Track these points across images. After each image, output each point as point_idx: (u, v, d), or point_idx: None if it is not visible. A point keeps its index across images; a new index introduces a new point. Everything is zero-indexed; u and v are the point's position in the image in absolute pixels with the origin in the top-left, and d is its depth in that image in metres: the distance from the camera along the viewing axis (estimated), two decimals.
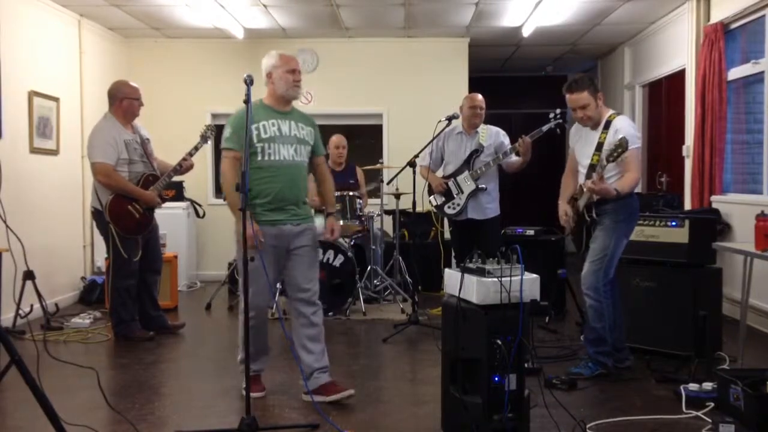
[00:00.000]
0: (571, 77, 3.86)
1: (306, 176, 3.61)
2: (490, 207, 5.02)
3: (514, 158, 4.89)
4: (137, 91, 4.76)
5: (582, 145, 3.92)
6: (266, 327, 3.63)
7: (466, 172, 4.97)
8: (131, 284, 4.72)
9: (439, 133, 5.07)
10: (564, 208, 4.00)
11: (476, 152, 4.97)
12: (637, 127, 3.93)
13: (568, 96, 3.80)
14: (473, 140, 5.02)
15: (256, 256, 3.15)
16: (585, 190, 3.75)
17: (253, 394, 3.34)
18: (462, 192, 4.98)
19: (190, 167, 4.78)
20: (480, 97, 5.07)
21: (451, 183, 5.03)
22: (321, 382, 3.46)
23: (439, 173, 5.20)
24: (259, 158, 3.36)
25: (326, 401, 3.36)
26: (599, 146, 3.73)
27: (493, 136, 5.04)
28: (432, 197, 5.14)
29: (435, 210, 5.27)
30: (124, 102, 4.68)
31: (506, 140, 5.05)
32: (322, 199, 3.78)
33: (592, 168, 3.71)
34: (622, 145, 3.49)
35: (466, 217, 5.00)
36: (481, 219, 4.98)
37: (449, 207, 5.04)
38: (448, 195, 5.04)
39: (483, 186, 4.94)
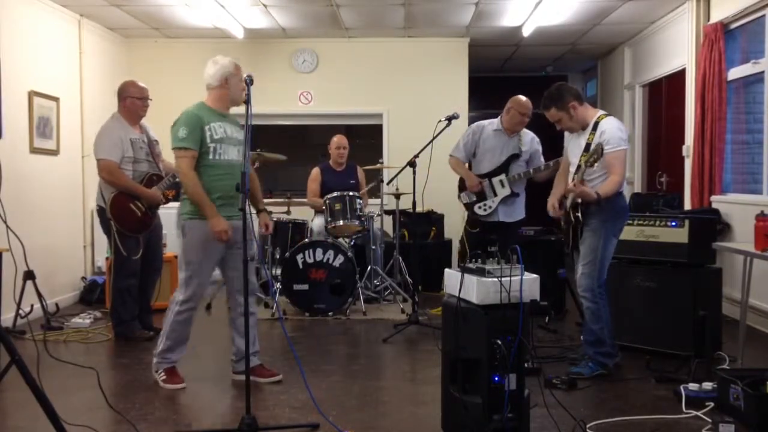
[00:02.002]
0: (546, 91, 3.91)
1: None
2: (517, 210, 5.00)
3: (545, 172, 4.84)
4: (142, 91, 4.78)
5: (573, 146, 3.95)
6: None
7: (503, 176, 4.90)
8: (132, 283, 4.72)
9: (440, 132, 5.02)
10: (552, 201, 4.03)
11: (515, 156, 4.91)
12: (629, 129, 3.96)
13: None
14: (512, 142, 4.93)
15: (206, 250, 3.57)
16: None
17: (173, 386, 3.65)
18: (496, 195, 4.92)
19: None
20: (529, 104, 4.87)
21: (485, 183, 4.94)
22: (251, 364, 3.65)
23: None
24: (211, 157, 3.60)
25: (259, 381, 3.70)
26: (587, 147, 3.76)
27: (530, 142, 4.97)
28: (463, 194, 5.07)
29: (463, 207, 5.16)
30: (127, 101, 4.73)
31: (540, 148, 5.02)
32: (252, 198, 3.90)
33: (579, 168, 3.74)
34: (597, 151, 3.58)
35: (497, 219, 4.95)
36: (509, 222, 4.96)
37: (480, 207, 4.97)
38: (480, 195, 4.97)
39: (517, 192, 4.92)
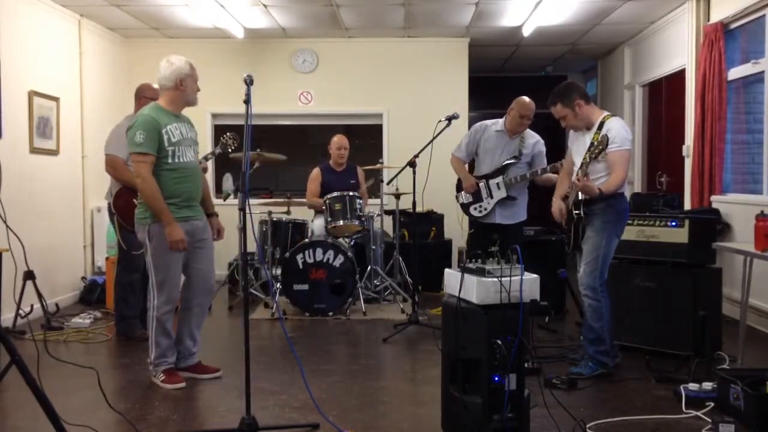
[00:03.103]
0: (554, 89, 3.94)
1: (200, 175, 3.87)
2: (517, 212, 4.94)
3: (549, 175, 4.74)
4: (156, 93, 4.81)
5: (578, 145, 3.96)
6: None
7: (500, 178, 4.86)
8: (135, 279, 4.76)
9: (440, 132, 5.02)
10: (558, 204, 4.04)
11: (516, 159, 4.85)
12: (631, 130, 3.98)
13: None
14: (513, 144, 4.88)
15: (174, 251, 3.59)
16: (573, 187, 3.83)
17: (173, 386, 3.66)
18: (492, 197, 4.89)
19: (204, 171, 4.84)
20: (532, 106, 4.79)
21: (482, 185, 4.92)
22: (192, 362, 3.88)
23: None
24: (170, 160, 3.60)
25: (201, 378, 3.82)
26: (591, 146, 3.76)
27: (532, 145, 4.90)
28: (460, 194, 5.05)
29: (460, 207, 5.12)
30: (142, 101, 4.82)
31: (544, 150, 4.95)
32: (201, 201, 3.92)
33: (583, 163, 3.74)
34: (602, 142, 3.61)
35: (493, 221, 4.91)
36: (506, 224, 4.91)
37: (475, 209, 4.95)
38: (476, 196, 4.94)
39: (514, 195, 4.86)
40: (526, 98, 4.84)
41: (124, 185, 4.64)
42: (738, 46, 5.64)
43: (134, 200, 4.64)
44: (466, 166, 5.14)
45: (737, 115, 5.69)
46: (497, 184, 4.88)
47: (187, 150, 3.68)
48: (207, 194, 3.97)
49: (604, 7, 6.35)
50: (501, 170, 4.89)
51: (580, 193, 3.77)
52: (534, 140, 4.94)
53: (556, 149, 8.76)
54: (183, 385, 3.69)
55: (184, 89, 3.68)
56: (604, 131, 3.74)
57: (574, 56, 8.76)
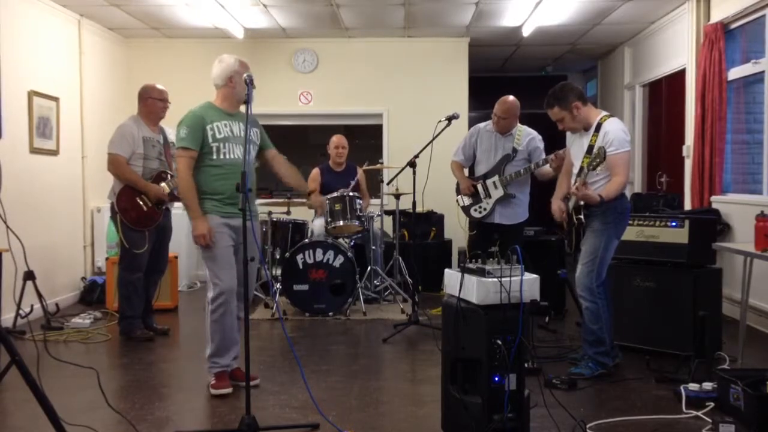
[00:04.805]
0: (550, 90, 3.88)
1: (253, 173, 3.82)
2: (517, 212, 4.91)
3: (547, 169, 4.71)
4: (162, 93, 4.92)
5: (576, 148, 3.94)
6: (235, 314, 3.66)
7: (496, 177, 4.84)
8: (137, 278, 4.77)
9: (440, 132, 5.02)
10: (557, 204, 4.02)
11: (509, 157, 4.84)
12: (631, 130, 3.96)
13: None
14: (506, 142, 4.86)
15: (218, 242, 3.53)
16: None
17: (215, 391, 3.56)
18: (490, 197, 4.88)
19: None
20: (507, 105, 4.79)
21: (479, 186, 4.91)
22: (230, 368, 3.71)
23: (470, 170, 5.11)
24: (215, 157, 3.59)
25: (235, 385, 3.61)
26: (590, 149, 3.75)
27: (527, 141, 4.85)
28: (459, 197, 5.06)
29: (462, 211, 5.10)
30: (148, 102, 4.87)
31: (541, 145, 4.89)
32: (292, 183, 3.94)
33: (581, 171, 3.73)
34: (599, 155, 3.57)
35: (493, 221, 4.90)
36: (508, 224, 4.89)
37: (475, 210, 4.95)
38: (475, 197, 4.94)
39: (512, 193, 4.83)
40: (505, 98, 4.84)
41: (126, 184, 4.66)
42: (738, 46, 5.64)
43: (137, 199, 4.67)
44: (466, 170, 5.15)
45: (737, 115, 5.69)
46: (494, 183, 4.88)
47: (235, 147, 3.63)
48: (293, 175, 3.94)
49: (604, 7, 6.35)
50: (496, 169, 4.89)
51: None
52: (529, 137, 4.89)
53: (558, 148, 8.77)
54: (227, 391, 3.55)
55: (234, 86, 3.68)
56: (601, 134, 3.72)
57: (574, 56, 8.77)
